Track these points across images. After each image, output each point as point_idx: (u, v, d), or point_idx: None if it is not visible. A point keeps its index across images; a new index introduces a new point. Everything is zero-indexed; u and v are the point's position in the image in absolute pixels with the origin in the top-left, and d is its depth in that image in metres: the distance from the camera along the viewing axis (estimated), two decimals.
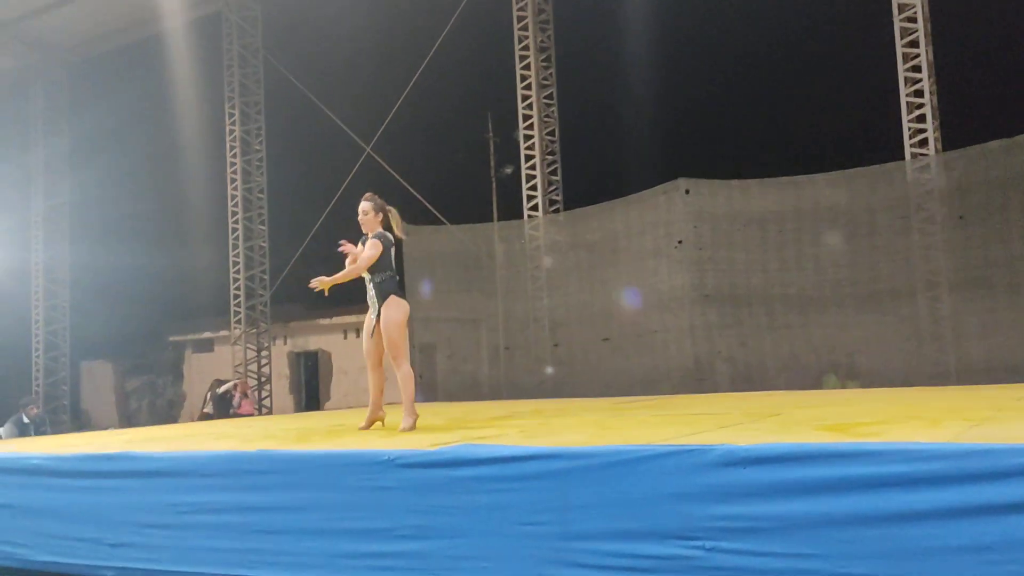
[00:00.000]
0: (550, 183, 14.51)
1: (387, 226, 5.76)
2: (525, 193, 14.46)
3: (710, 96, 16.08)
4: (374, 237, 5.57)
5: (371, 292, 5.61)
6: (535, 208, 14.27)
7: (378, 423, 5.79)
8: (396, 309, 5.51)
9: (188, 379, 23.54)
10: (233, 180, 17.77)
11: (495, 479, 3.46)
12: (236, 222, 17.71)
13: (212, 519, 4.09)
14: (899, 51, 11.46)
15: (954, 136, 11.17)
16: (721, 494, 3.05)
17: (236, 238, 17.71)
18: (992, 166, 10.40)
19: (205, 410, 14.44)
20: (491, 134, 20.41)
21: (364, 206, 5.70)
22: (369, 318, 5.66)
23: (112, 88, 19.38)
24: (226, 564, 4.03)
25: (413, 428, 5.36)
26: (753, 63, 15.61)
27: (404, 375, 5.47)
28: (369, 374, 5.71)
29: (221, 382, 14.97)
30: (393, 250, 5.71)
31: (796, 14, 14.79)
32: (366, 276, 5.59)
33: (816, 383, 11.16)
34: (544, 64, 14.63)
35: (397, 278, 5.74)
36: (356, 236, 5.83)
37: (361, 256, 5.56)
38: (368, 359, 5.68)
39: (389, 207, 5.82)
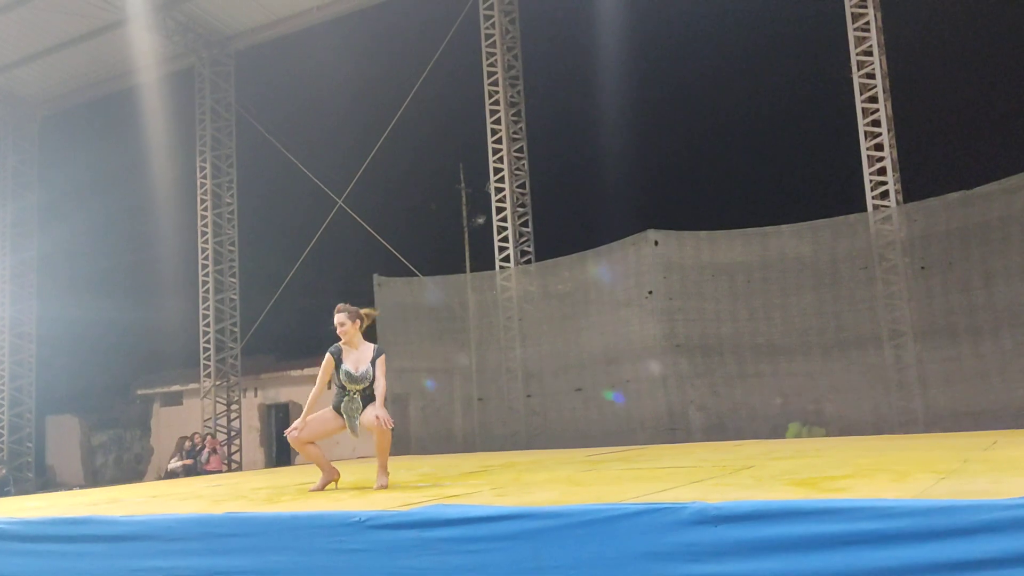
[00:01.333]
0: (521, 234, 14.63)
1: (365, 327, 5.86)
2: (497, 244, 14.56)
3: (678, 149, 16.38)
4: (378, 356, 5.66)
5: (353, 403, 5.62)
6: (507, 259, 14.36)
7: (332, 485, 5.78)
8: (384, 392, 5.63)
9: (156, 433, 23.13)
10: (204, 233, 17.72)
11: (467, 540, 3.45)
12: (207, 275, 17.62)
13: None
14: (859, 106, 11.78)
15: (914, 188, 11.46)
16: (692, 552, 3.06)
17: (207, 291, 17.61)
18: (952, 217, 10.66)
19: (170, 467, 14.19)
20: (463, 185, 20.57)
21: (339, 318, 5.72)
22: (334, 419, 5.69)
23: (83, 142, 19.36)
24: None
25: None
26: (721, 118, 15.96)
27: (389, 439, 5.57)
28: (308, 450, 5.71)
29: (186, 439, 14.76)
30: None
31: (762, 71, 15.19)
32: (355, 390, 5.62)
33: (784, 431, 11.23)
34: (515, 119, 14.84)
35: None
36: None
37: (381, 387, 5.62)
38: (307, 444, 5.68)
39: (363, 311, 5.89)
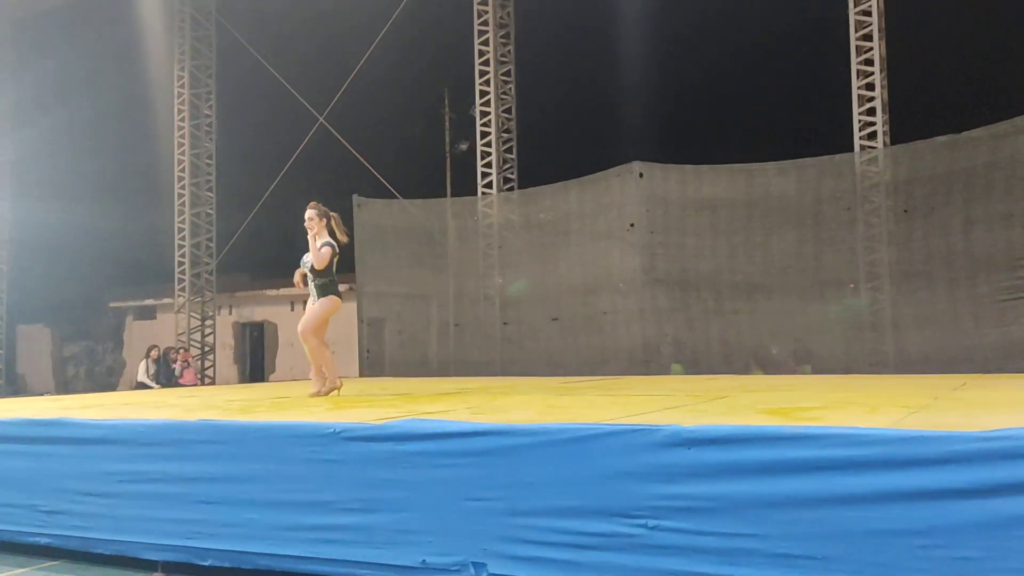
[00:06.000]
0: (505, 161, 14.47)
1: (330, 231, 6.55)
2: (479, 170, 14.40)
3: (668, 81, 16.15)
4: (326, 244, 6.36)
5: (312, 290, 6.50)
6: (489, 185, 14.22)
7: (335, 392, 6.52)
8: (328, 304, 6.45)
9: (128, 346, 23.05)
10: (181, 145, 17.39)
11: (441, 454, 3.46)
12: (183, 188, 17.35)
13: (151, 489, 4.03)
14: (853, 44, 11.63)
15: (902, 131, 11.39)
16: (665, 474, 3.10)
17: (182, 204, 17.37)
18: (937, 161, 10.64)
19: (139, 379, 14.15)
20: (447, 109, 20.24)
21: (309, 213, 6.43)
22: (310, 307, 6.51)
23: (60, 45, 18.74)
24: (165, 534, 3.97)
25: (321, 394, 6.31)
26: (713, 52, 15.70)
27: (312, 348, 6.46)
28: (322, 351, 6.53)
29: (155, 348, 14.68)
30: (336, 255, 6.52)
31: (754, 4, 14.91)
32: (309, 276, 6.45)
33: (768, 369, 11.36)
34: (503, 41, 14.53)
35: (336, 280, 6.60)
36: (306, 205, 6.52)
37: (317, 256, 6.36)
38: (322, 344, 6.54)
39: (332, 213, 6.59)
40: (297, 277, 6.69)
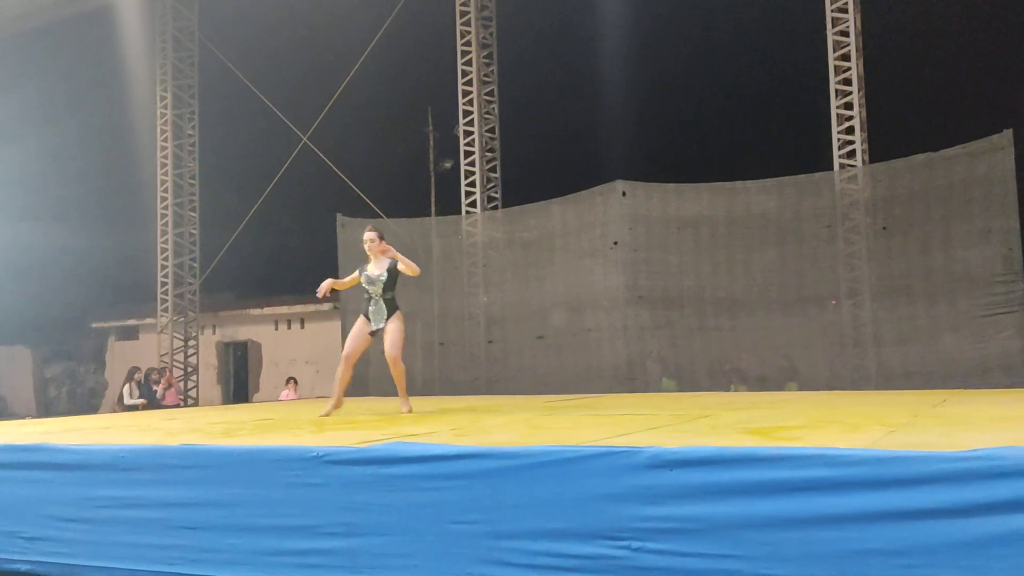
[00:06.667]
0: (489, 180, 14.52)
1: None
2: (463, 189, 14.43)
3: (650, 101, 16.28)
4: (392, 259, 6.72)
5: (377, 307, 6.71)
6: (473, 204, 14.26)
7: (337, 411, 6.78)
8: (402, 321, 6.80)
9: (111, 367, 22.88)
10: (163, 164, 17.35)
11: (425, 477, 3.46)
12: (165, 208, 17.30)
13: (132, 514, 3.99)
14: (831, 64, 11.77)
15: (881, 149, 11.53)
16: (648, 495, 3.10)
17: (165, 224, 17.31)
18: (915, 179, 10.77)
19: (128, 402, 14.01)
20: (431, 128, 20.30)
21: (370, 235, 6.78)
22: (364, 326, 6.76)
23: (41, 66, 18.69)
24: (146, 560, 3.93)
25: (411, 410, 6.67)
26: (694, 72, 15.86)
27: (401, 371, 6.77)
28: (346, 371, 6.85)
29: (138, 371, 14.58)
30: None
31: (735, 25, 15.09)
32: (375, 292, 6.71)
33: (751, 385, 11.40)
34: (486, 61, 14.62)
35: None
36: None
37: (411, 265, 6.73)
38: (350, 359, 6.81)
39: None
40: (326, 287, 6.84)
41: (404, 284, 14.37)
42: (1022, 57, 14.37)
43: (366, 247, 6.76)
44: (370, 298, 6.72)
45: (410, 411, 6.67)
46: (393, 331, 6.66)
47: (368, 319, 6.74)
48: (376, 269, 6.72)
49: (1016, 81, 14.29)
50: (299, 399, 13.38)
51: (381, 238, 6.80)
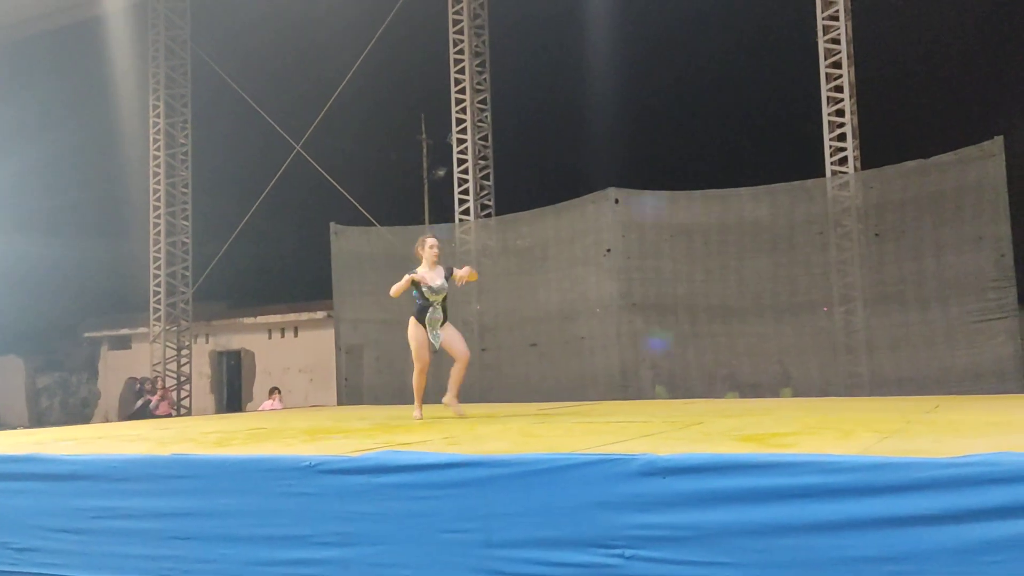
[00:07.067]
0: (482, 188, 14.53)
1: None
2: (457, 197, 14.44)
3: (641, 108, 16.33)
4: (449, 272, 7.07)
5: (436, 313, 6.98)
6: (466, 212, 14.27)
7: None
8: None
9: (103, 377, 22.79)
10: (156, 174, 17.33)
11: (418, 486, 3.45)
12: (158, 217, 17.28)
13: (124, 525, 3.98)
14: (822, 71, 11.82)
15: (872, 156, 11.58)
16: (641, 503, 3.10)
17: (158, 233, 17.28)
18: (907, 185, 10.80)
19: (138, 405, 13.95)
20: (424, 136, 20.31)
21: (437, 242, 7.23)
22: (423, 332, 7.01)
23: (33, 77, 18.67)
24: (138, 571, 3.91)
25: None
26: (687, 80, 15.91)
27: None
28: (423, 377, 7.22)
29: (136, 380, 14.55)
30: None
31: (727, 32, 15.14)
32: (438, 300, 6.96)
33: (745, 391, 11.40)
34: (479, 69, 14.64)
35: None
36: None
37: (473, 271, 7.24)
38: (426, 369, 7.21)
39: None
40: (404, 284, 6.93)
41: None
42: (1012, 64, 14.46)
43: (433, 252, 7.06)
44: (430, 305, 6.93)
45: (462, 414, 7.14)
46: (457, 332, 7.15)
47: (424, 325, 6.98)
48: (438, 278, 6.98)
49: (1006, 88, 14.38)
50: (284, 409, 13.23)
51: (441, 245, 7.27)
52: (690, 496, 3.04)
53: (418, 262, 7.09)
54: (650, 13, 15.13)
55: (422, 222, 17.77)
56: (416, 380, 7.19)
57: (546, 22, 16.10)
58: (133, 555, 3.94)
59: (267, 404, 14.53)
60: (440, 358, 7.64)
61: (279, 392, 15.08)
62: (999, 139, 10.09)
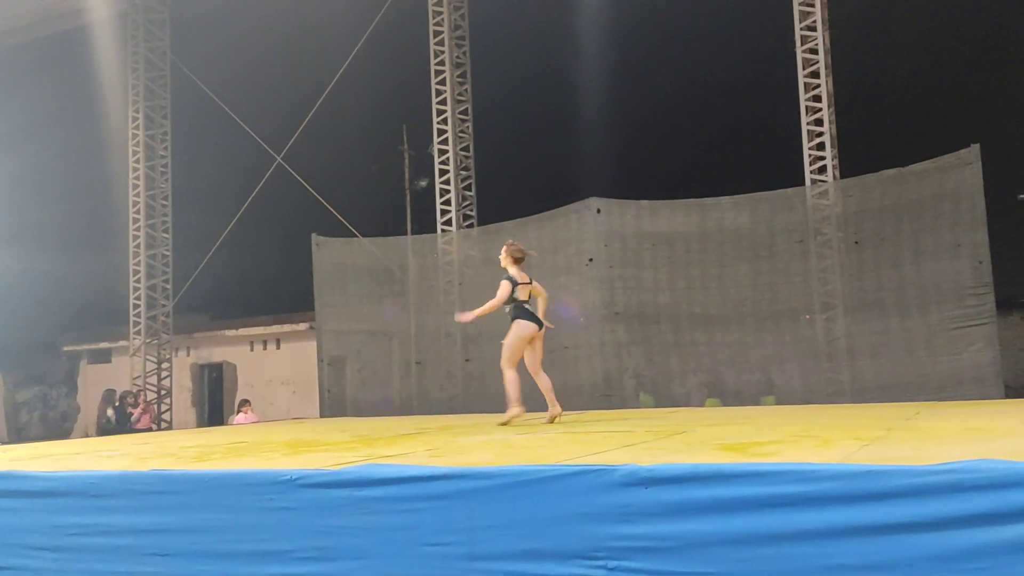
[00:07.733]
0: (464, 198, 14.53)
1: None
2: (439, 207, 14.43)
3: (622, 118, 16.40)
4: (503, 279, 7.31)
5: (534, 307, 7.39)
6: (449, 223, 14.26)
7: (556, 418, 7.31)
8: (514, 328, 7.31)
9: (83, 391, 22.58)
10: (135, 186, 17.22)
11: (400, 499, 3.43)
12: (138, 229, 17.16)
13: (102, 541, 3.93)
14: (801, 81, 11.92)
15: (851, 164, 11.67)
16: (624, 514, 3.10)
17: (138, 245, 17.16)
18: (886, 193, 10.90)
19: (109, 413, 13.79)
20: (406, 147, 20.31)
21: (521, 245, 7.60)
22: (532, 330, 7.38)
23: (13, 88, 18.52)
24: None
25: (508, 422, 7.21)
26: (667, 89, 16.00)
27: (509, 379, 7.38)
28: (514, 374, 7.43)
29: (113, 392, 14.40)
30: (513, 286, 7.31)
31: (706, 43, 15.24)
32: (524, 298, 7.31)
33: (727, 399, 11.43)
34: (460, 80, 14.66)
35: (520, 304, 7.34)
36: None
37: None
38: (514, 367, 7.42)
39: (507, 241, 7.76)
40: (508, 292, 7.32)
41: (380, 302, 14.42)
42: (989, 73, 14.64)
43: (525, 255, 7.46)
44: (525, 302, 7.29)
45: (509, 421, 7.29)
46: (506, 339, 7.46)
47: (535, 322, 7.31)
48: (524, 276, 7.34)
49: (983, 96, 14.55)
50: (260, 422, 13.03)
51: (507, 254, 7.49)
52: (672, 506, 3.04)
53: (503, 270, 7.38)
54: (631, 25, 15.22)
55: (404, 233, 17.75)
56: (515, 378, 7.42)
57: (527, 33, 16.16)
58: (112, 572, 3.89)
59: (240, 418, 14.30)
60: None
61: (250, 404, 14.89)
62: (975, 147, 10.21)
